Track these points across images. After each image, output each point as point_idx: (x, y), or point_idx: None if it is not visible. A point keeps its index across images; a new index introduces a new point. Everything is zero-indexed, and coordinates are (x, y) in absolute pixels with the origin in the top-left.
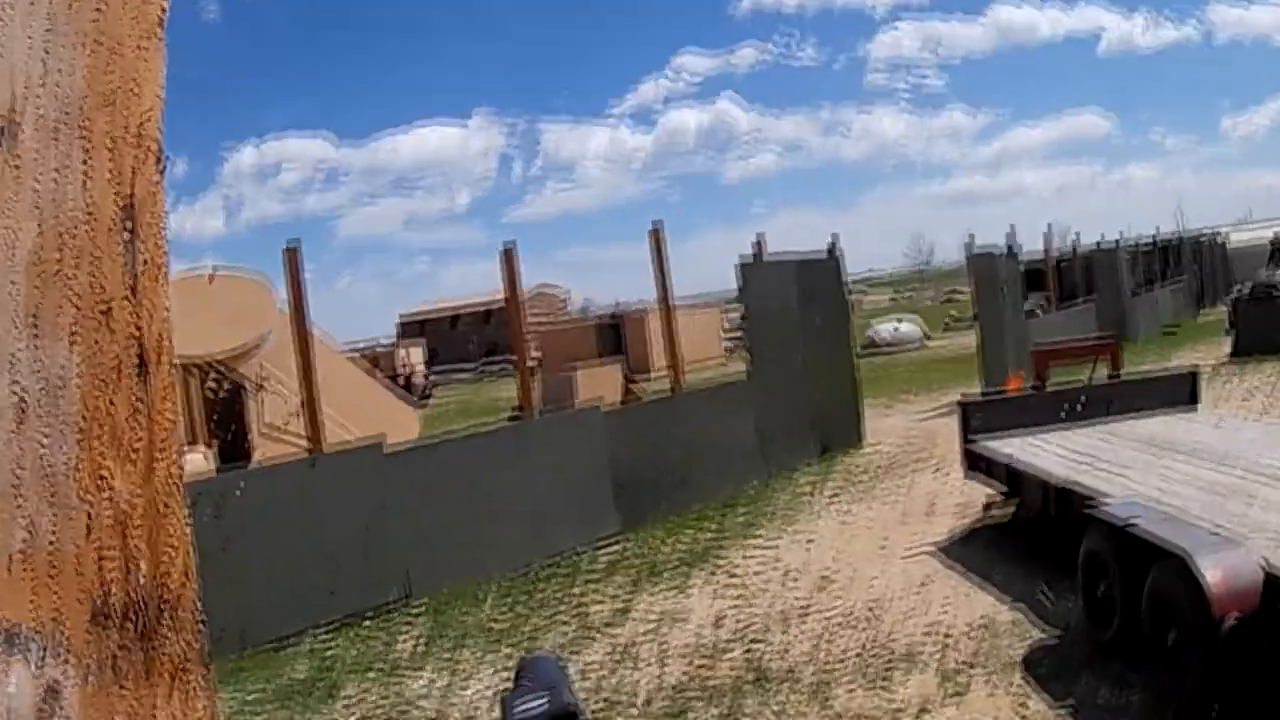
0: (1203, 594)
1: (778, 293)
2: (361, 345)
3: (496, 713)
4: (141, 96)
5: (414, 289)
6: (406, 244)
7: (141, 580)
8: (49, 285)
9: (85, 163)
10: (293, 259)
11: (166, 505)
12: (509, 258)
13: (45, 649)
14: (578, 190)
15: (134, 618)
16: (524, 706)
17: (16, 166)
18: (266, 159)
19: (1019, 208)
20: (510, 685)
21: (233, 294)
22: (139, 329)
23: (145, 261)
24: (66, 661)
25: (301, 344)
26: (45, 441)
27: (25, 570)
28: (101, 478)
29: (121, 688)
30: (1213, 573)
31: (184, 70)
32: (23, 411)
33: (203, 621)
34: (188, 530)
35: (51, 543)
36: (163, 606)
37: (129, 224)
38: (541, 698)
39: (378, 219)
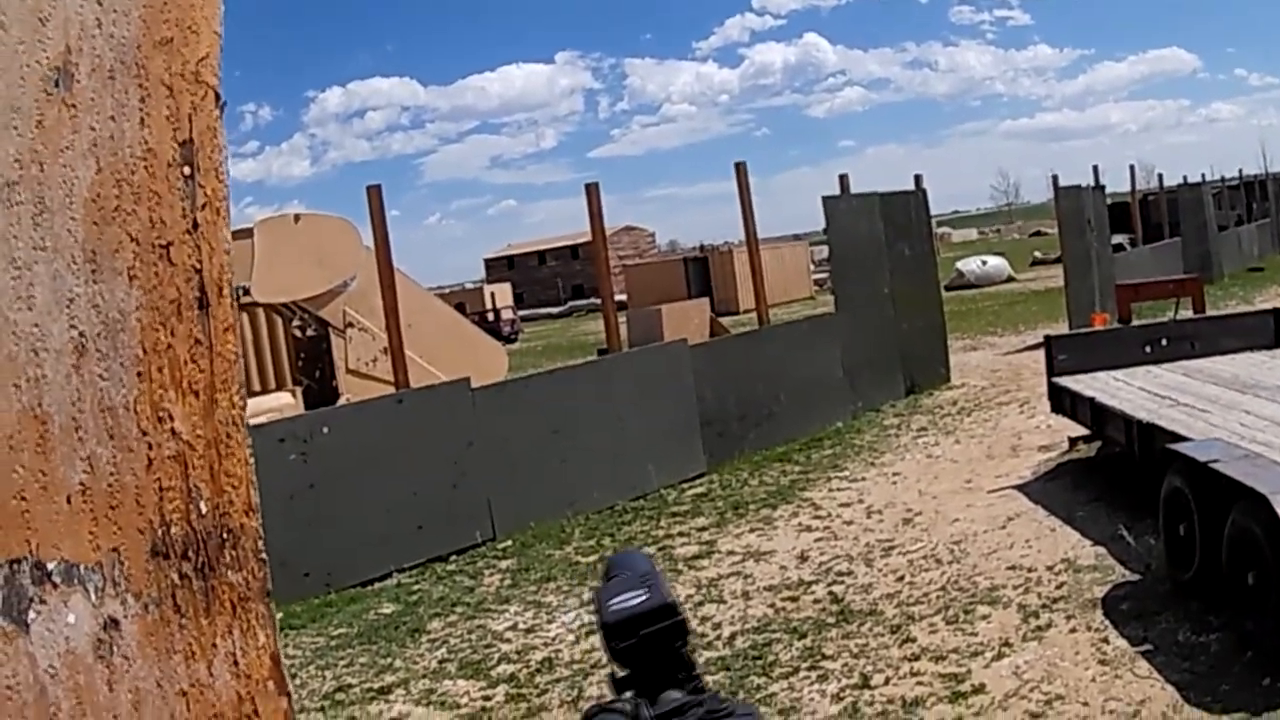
0: None
1: (863, 228)
2: (448, 286)
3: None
4: (199, 38)
5: (500, 228)
6: (493, 184)
7: (202, 514)
8: (107, 224)
9: (142, 104)
10: (376, 199)
11: (228, 439)
12: (592, 194)
13: (104, 583)
14: (664, 127)
15: (194, 552)
16: (620, 601)
17: (73, 109)
18: (351, 103)
19: (1104, 144)
20: (601, 583)
21: (318, 236)
22: (199, 265)
23: (205, 200)
24: (126, 595)
25: (386, 284)
26: (104, 378)
27: (85, 505)
28: (161, 413)
29: (181, 621)
30: None
31: (267, 16)
32: (81, 350)
33: (264, 556)
34: (251, 464)
35: (111, 478)
36: (224, 540)
37: (188, 163)
38: (638, 592)
39: (464, 160)
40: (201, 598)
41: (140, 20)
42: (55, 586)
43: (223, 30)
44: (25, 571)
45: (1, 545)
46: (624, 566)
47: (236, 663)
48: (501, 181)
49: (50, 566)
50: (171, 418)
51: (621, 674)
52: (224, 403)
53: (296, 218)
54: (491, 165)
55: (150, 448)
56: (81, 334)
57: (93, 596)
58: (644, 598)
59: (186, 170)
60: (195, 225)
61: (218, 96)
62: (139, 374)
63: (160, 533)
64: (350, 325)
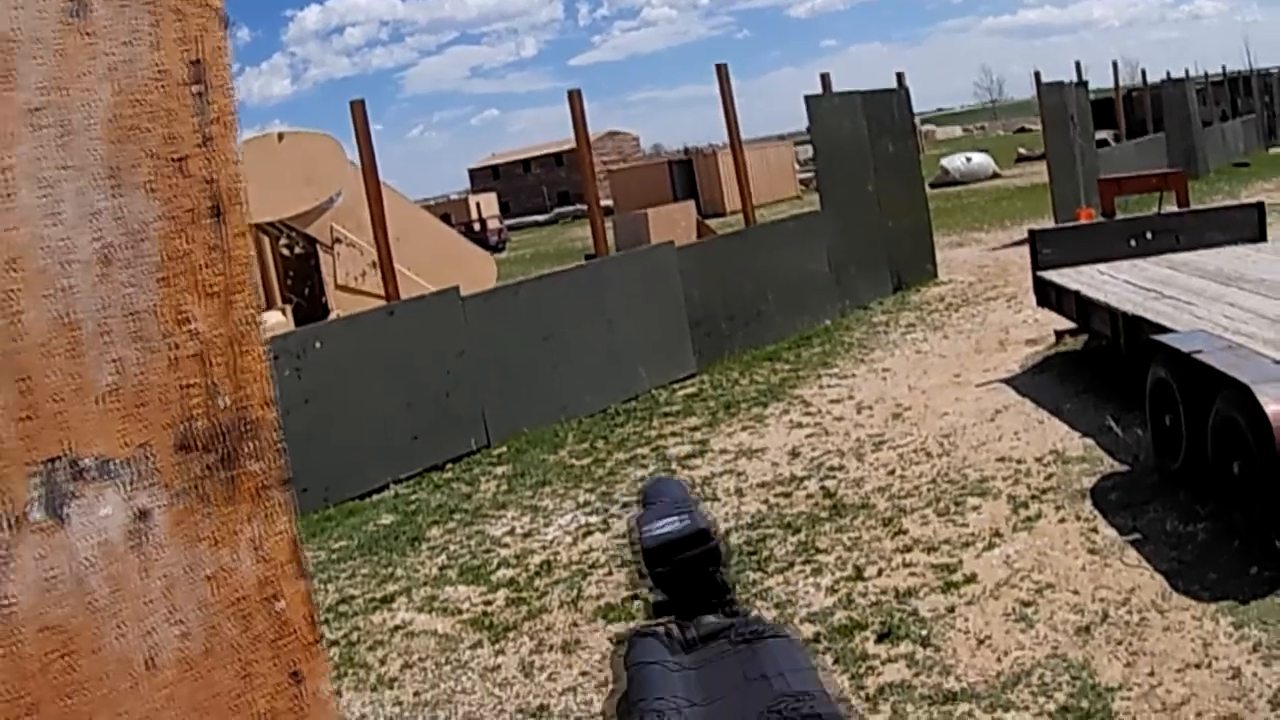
0: (1266, 425)
1: (846, 127)
2: (434, 198)
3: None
4: None
5: (483, 138)
6: (474, 94)
7: (223, 408)
8: (126, 142)
9: (154, 29)
10: (360, 114)
11: (244, 338)
12: (575, 101)
13: (135, 476)
14: (644, 31)
15: (217, 444)
16: (657, 527)
17: (89, 36)
18: (330, 19)
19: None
20: (639, 510)
21: (303, 153)
22: (213, 177)
23: (215, 115)
24: (155, 487)
25: (373, 198)
26: (129, 285)
27: (114, 405)
28: (182, 315)
29: (207, 509)
30: (1275, 405)
31: None
32: (106, 260)
33: (282, 446)
34: (266, 360)
35: (138, 378)
36: (244, 432)
37: (198, 81)
38: (675, 519)
39: (444, 71)
40: (225, 487)
41: None
42: (90, 482)
43: None
44: (62, 469)
45: (39, 445)
46: (660, 494)
47: (259, 547)
48: (483, 91)
49: (85, 463)
50: (192, 319)
51: (659, 598)
52: (239, 303)
53: (280, 136)
54: (472, 76)
55: (173, 348)
56: (106, 245)
57: (125, 490)
58: (680, 524)
59: (197, 88)
60: (207, 139)
61: (224, 18)
62: (160, 279)
63: (185, 427)
64: (338, 241)
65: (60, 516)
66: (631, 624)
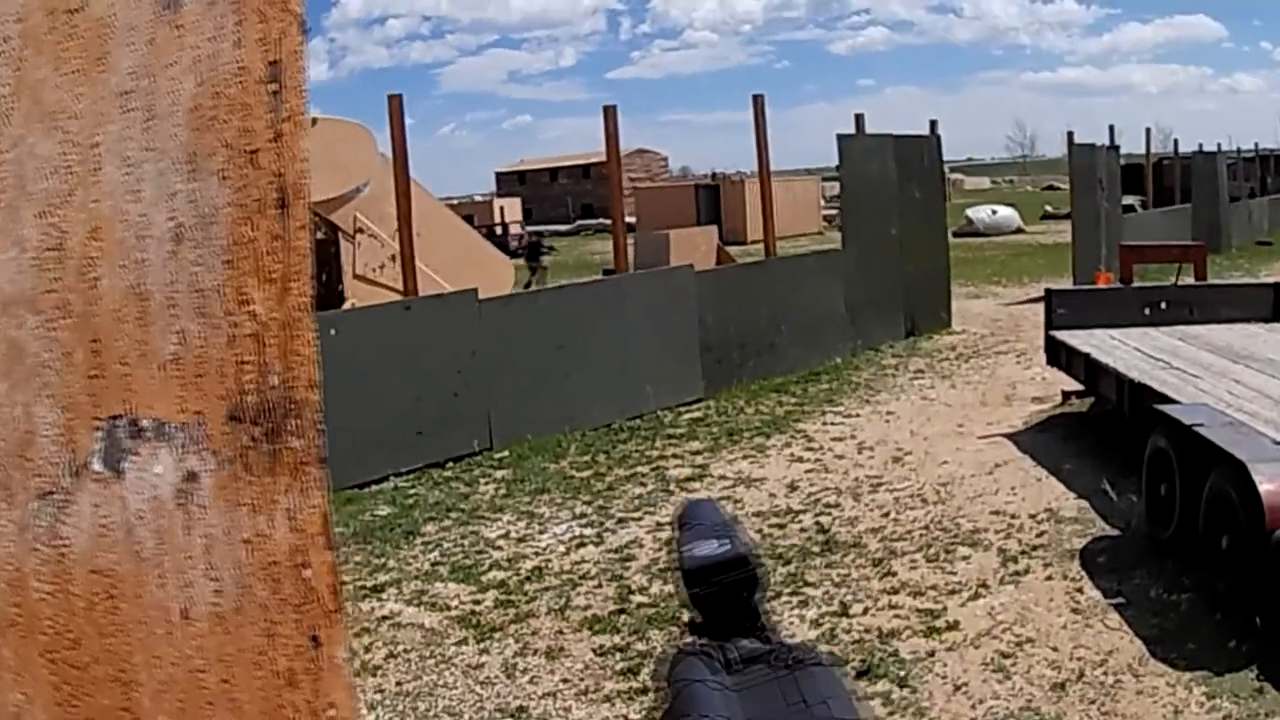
0: (1257, 503)
1: (876, 168)
2: (458, 197)
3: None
4: None
5: (514, 143)
6: (509, 98)
7: (273, 386)
8: (205, 131)
9: (238, 28)
10: (396, 108)
11: (298, 323)
12: (609, 117)
13: (188, 440)
14: (684, 53)
15: (264, 418)
16: (700, 549)
17: (179, 29)
18: (373, 9)
19: (1124, 104)
20: (675, 534)
21: (334, 140)
22: (281, 170)
23: (288, 114)
24: (204, 452)
25: (402, 192)
26: (197, 264)
27: (176, 373)
28: (244, 296)
29: (249, 478)
30: (1269, 484)
31: None
32: (179, 238)
33: (322, 427)
34: (315, 346)
35: (199, 350)
36: (289, 410)
37: (275, 81)
38: (718, 542)
39: (481, 72)
40: (268, 459)
41: None
42: (147, 441)
43: None
44: (123, 427)
45: (105, 403)
46: (700, 516)
47: (293, 518)
48: (518, 96)
49: (144, 424)
50: (252, 301)
51: (697, 619)
52: (296, 291)
53: (314, 121)
54: (509, 80)
55: (233, 326)
56: (179, 224)
57: (177, 452)
58: (723, 548)
59: (274, 87)
60: (279, 135)
61: (303, 23)
62: (226, 261)
63: (237, 400)
64: (360, 231)
65: (118, 470)
66: (673, 643)
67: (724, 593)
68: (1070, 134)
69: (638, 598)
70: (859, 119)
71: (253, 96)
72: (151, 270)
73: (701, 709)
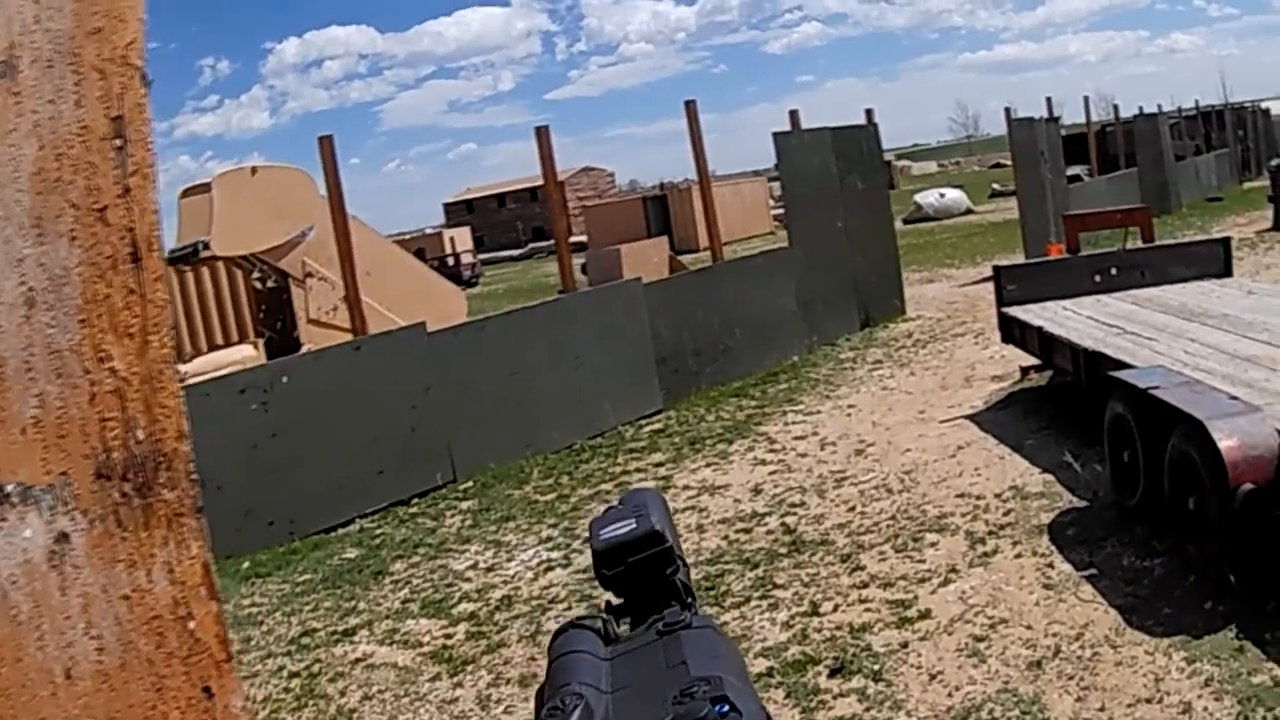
0: (1219, 461)
1: (815, 163)
2: (409, 231)
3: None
4: (126, 25)
5: (460, 172)
6: (451, 128)
7: (139, 440)
8: (50, 193)
9: (77, 87)
10: (328, 149)
11: (160, 375)
12: (543, 138)
13: (56, 502)
14: (621, 67)
15: (133, 473)
16: (609, 530)
17: (17, 96)
18: (309, 53)
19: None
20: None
21: (276, 187)
22: (131, 225)
23: (135, 167)
24: (74, 513)
25: (340, 233)
26: (51, 326)
27: (37, 435)
28: (102, 354)
29: (123, 534)
30: (1228, 440)
31: None
32: (31, 302)
33: (195, 476)
34: (180, 397)
35: (59, 411)
36: (159, 463)
37: (119, 136)
38: (627, 522)
39: (421, 105)
40: (140, 514)
41: (73, 14)
42: (14, 506)
43: (145, 16)
44: None
45: None
46: (629, 501)
47: (172, 570)
48: (460, 126)
49: (8, 489)
50: (111, 358)
51: (616, 602)
52: (155, 343)
53: (254, 170)
54: (449, 110)
55: (93, 384)
56: (31, 289)
57: (46, 514)
58: (631, 526)
59: (118, 143)
60: (127, 190)
61: (144, 76)
62: (81, 321)
63: (103, 457)
64: (309, 275)
65: None
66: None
67: (637, 571)
68: (1008, 110)
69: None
70: (793, 115)
71: (97, 154)
72: (5, 336)
73: (576, 678)
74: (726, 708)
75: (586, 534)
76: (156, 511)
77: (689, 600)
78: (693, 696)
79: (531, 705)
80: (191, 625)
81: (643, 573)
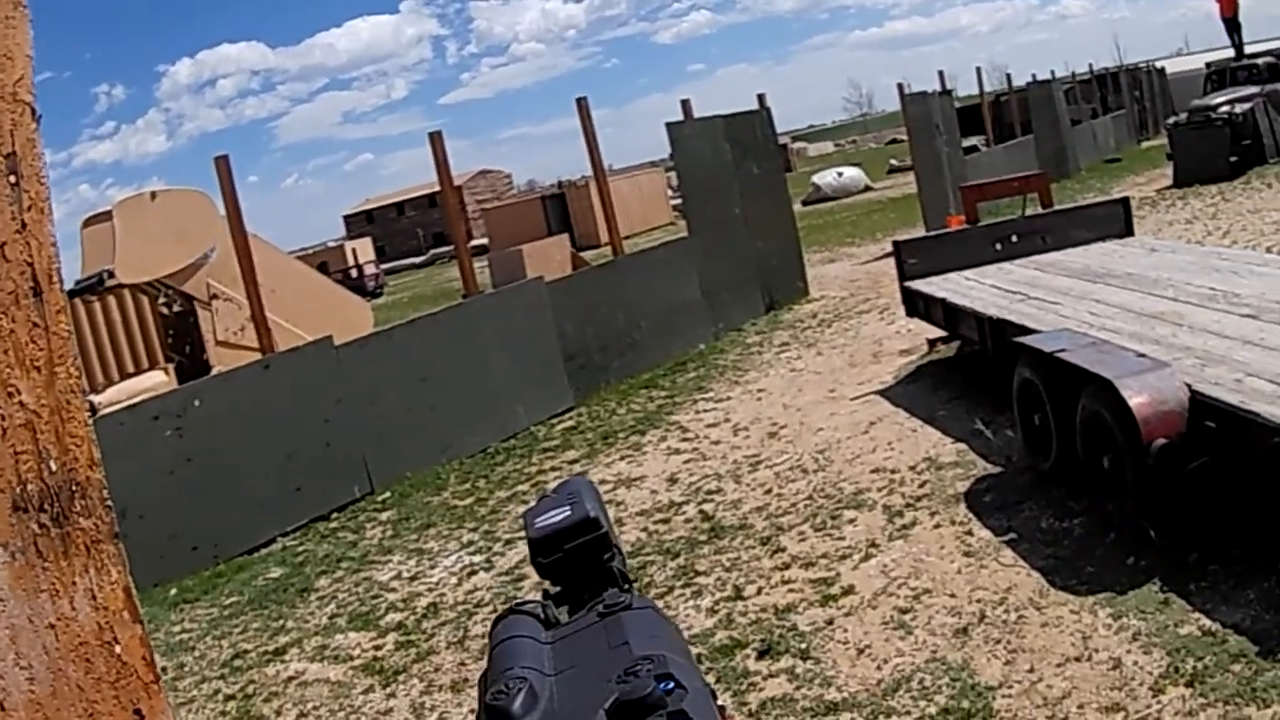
0: (1130, 418)
1: (709, 151)
2: (311, 246)
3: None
4: (14, 62)
5: (359, 183)
6: (347, 139)
7: (53, 471)
8: None
9: None
10: (224, 169)
11: (69, 405)
12: (436, 143)
13: None
14: (513, 67)
15: (49, 504)
16: (544, 518)
17: None
18: (202, 73)
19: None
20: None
21: (176, 211)
22: (30, 259)
23: (30, 202)
24: None
25: (242, 252)
26: None
27: None
28: (10, 389)
29: (44, 565)
30: (1138, 397)
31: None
32: None
33: (109, 503)
34: (90, 425)
35: None
36: (73, 492)
37: (13, 173)
38: (564, 509)
39: (316, 118)
40: (59, 543)
41: None
42: None
43: (33, 52)
44: None
45: None
46: (562, 490)
47: (94, 597)
48: (356, 136)
49: None
50: (19, 392)
51: (553, 590)
52: (62, 374)
53: (153, 195)
54: (344, 121)
55: (3, 419)
56: None
57: None
58: (566, 513)
59: (12, 179)
60: (24, 225)
61: (34, 111)
62: None
63: (19, 490)
64: (215, 297)
65: None
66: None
67: (574, 558)
68: (901, 86)
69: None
70: (685, 105)
71: None
72: None
73: (512, 662)
74: (671, 685)
75: (508, 536)
76: (75, 540)
77: (626, 586)
78: (636, 675)
79: (476, 693)
80: (118, 649)
81: (580, 559)
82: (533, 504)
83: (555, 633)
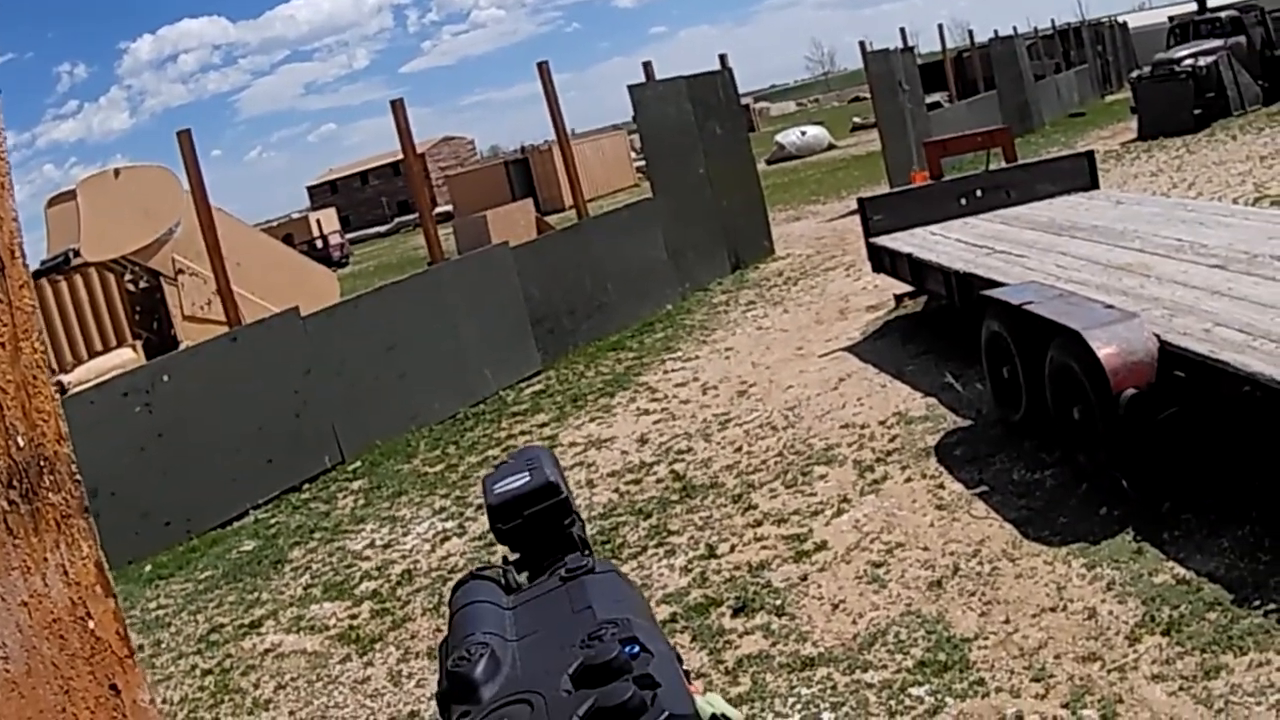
0: (1099, 369)
1: (672, 113)
2: (276, 218)
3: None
4: None
5: (322, 154)
6: (309, 110)
7: (20, 447)
8: None
9: None
10: (187, 143)
11: (35, 381)
12: (398, 110)
13: None
14: (474, 34)
15: (18, 480)
16: (503, 484)
17: None
18: (163, 49)
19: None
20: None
21: (140, 187)
22: None
23: None
24: None
25: (206, 226)
26: None
27: None
28: None
29: (15, 542)
30: (1106, 348)
31: None
32: None
33: (78, 477)
34: (57, 400)
35: None
36: (42, 468)
37: None
38: (523, 475)
39: (278, 91)
40: (29, 519)
41: None
42: None
43: None
44: None
45: None
46: (519, 456)
47: (66, 572)
48: (318, 107)
49: None
50: None
51: (513, 557)
52: (27, 350)
53: (116, 172)
54: (306, 92)
55: None
56: None
57: None
58: (525, 479)
59: None
60: None
61: None
62: None
63: None
64: (181, 272)
65: None
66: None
67: (533, 524)
68: (862, 43)
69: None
70: (647, 67)
71: None
72: None
73: (473, 628)
74: (636, 649)
75: (479, 502)
76: (45, 516)
77: (586, 552)
78: (601, 639)
79: (436, 660)
80: (91, 624)
81: (539, 525)
82: (491, 471)
83: (516, 598)
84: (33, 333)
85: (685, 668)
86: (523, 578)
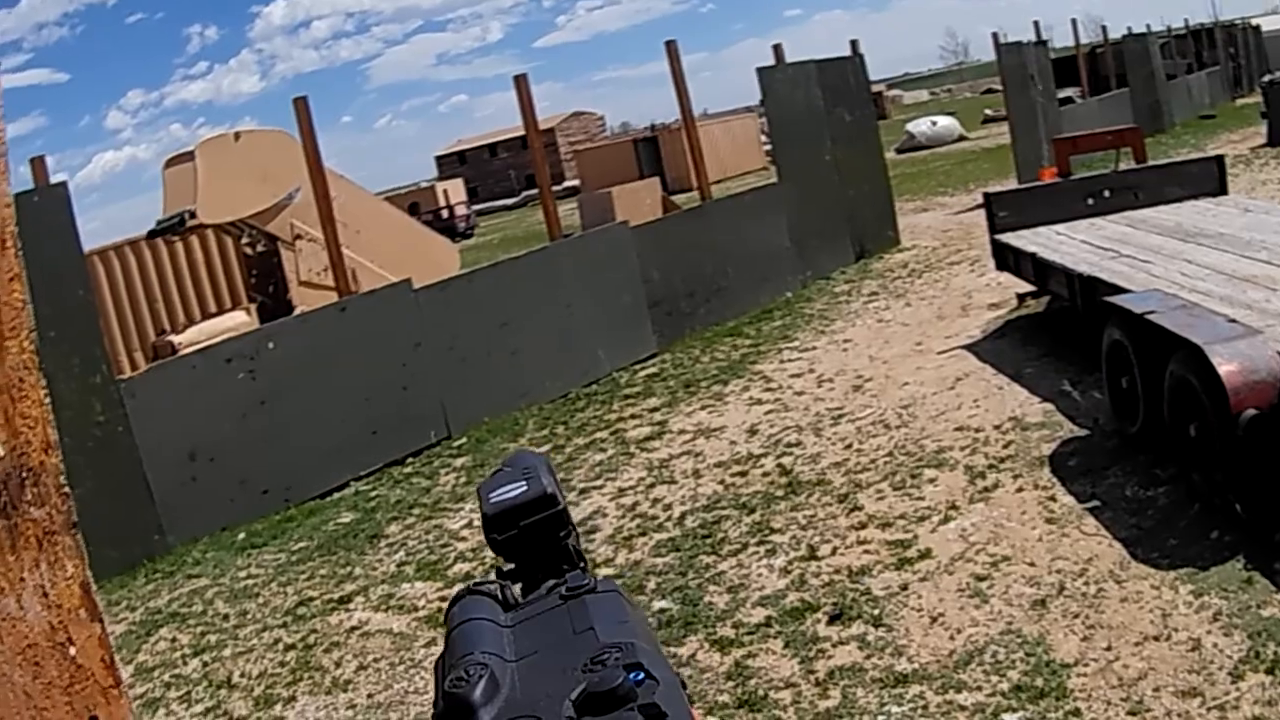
0: (1219, 386)
1: (801, 97)
2: (403, 186)
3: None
4: None
5: (453, 125)
6: (441, 81)
7: (1, 457)
8: None
9: None
10: (303, 111)
11: (21, 384)
12: (521, 86)
13: None
14: (609, 10)
15: None
16: (500, 493)
17: None
18: (296, 14)
19: None
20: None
21: (259, 151)
22: None
23: None
24: None
25: (320, 194)
26: None
27: None
28: None
29: None
30: (1228, 365)
31: None
32: None
33: (66, 490)
34: (46, 405)
35: None
36: (24, 479)
37: None
38: (518, 484)
39: (411, 60)
40: (6, 536)
41: None
42: None
43: None
44: None
45: None
46: (516, 463)
47: (46, 594)
48: (450, 78)
49: None
50: None
51: (506, 568)
52: (14, 349)
53: (236, 135)
54: (438, 63)
55: None
56: None
57: None
58: (523, 489)
59: None
60: None
61: None
62: None
63: None
64: (299, 237)
65: None
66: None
67: (529, 535)
68: (995, 34)
69: (604, 570)
70: (778, 50)
71: None
72: None
73: (471, 647)
74: (641, 675)
75: (583, 485)
76: (24, 532)
77: (581, 565)
78: (604, 664)
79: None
80: (72, 651)
81: (535, 536)
82: (487, 477)
83: (515, 615)
84: (22, 330)
85: (688, 694)
86: (516, 589)
